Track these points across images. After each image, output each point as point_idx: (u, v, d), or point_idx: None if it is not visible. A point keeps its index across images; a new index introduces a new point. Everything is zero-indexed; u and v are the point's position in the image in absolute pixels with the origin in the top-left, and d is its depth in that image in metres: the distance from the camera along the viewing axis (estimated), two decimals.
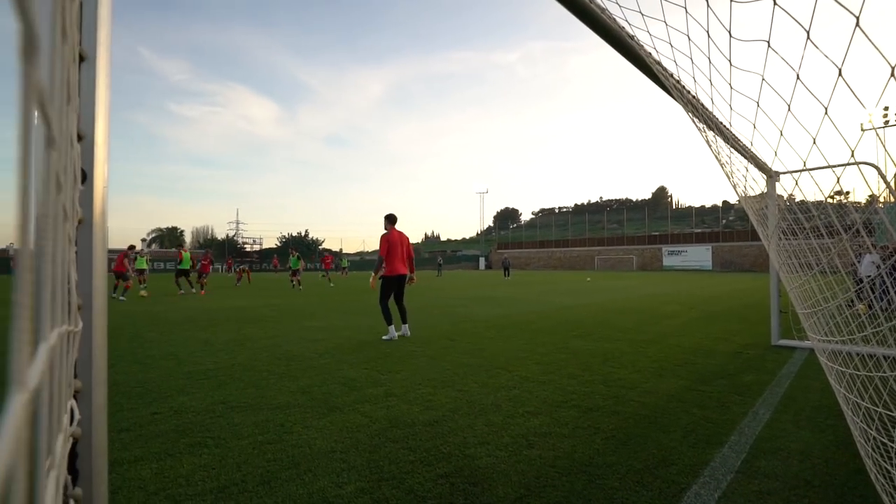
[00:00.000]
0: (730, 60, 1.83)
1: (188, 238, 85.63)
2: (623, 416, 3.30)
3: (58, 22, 0.30)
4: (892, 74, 1.05)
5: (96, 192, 0.82)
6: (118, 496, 2.21)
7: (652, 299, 13.12)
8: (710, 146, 3.20)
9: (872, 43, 1.07)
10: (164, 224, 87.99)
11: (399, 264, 6.10)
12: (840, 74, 1.22)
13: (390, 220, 6.29)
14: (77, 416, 0.78)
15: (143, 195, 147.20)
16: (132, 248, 14.75)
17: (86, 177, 0.80)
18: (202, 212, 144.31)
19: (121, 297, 12.97)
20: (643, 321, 8.40)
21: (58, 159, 0.35)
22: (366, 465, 2.52)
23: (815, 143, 1.53)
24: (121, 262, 13.40)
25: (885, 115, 30.56)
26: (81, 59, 0.76)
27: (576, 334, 6.93)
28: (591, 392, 3.90)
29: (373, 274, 6.61)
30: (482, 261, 67.78)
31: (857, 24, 1.11)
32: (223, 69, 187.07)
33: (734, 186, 3.62)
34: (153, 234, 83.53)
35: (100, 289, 0.83)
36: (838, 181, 1.74)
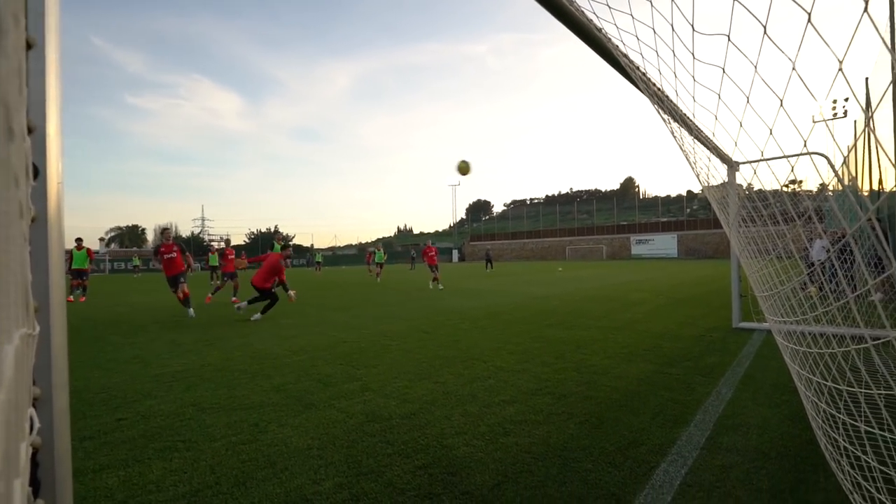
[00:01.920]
0: (693, 53, 1.89)
1: (150, 237, 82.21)
2: (595, 401, 3.40)
3: (9, 4, 0.28)
4: (840, 69, 1.11)
5: (50, 188, 0.77)
6: None
7: (622, 287, 13.52)
8: (674, 137, 3.30)
9: (822, 38, 1.13)
10: (124, 222, 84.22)
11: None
12: (794, 68, 1.28)
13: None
14: (37, 424, 0.74)
15: (100, 192, 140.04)
16: (79, 240, 13.04)
17: (38, 172, 0.75)
18: (165, 209, 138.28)
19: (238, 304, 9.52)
20: (614, 309, 8.65)
21: (17, 152, 0.33)
22: (343, 461, 2.51)
23: (771, 133, 1.60)
24: (229, 260, 11.96)
25: (834, 108, 32.28)
26: (29, 46, 0.72)
27: (549, 323, 7.07)
28: (564, 379, 4.00)
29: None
30: (455, 253, 68.06)
31: (809, 21, 1.17)
32: (183, 60, 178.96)
33: (697, 176, 3.76)
34: (112, 233, 79.89)
35: (57, 290, 0.79)
36: (793, 170, 1.83)
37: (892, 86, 5.53)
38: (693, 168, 3.64)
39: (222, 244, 12.70)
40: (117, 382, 4.19)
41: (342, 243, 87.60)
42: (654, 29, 1.99)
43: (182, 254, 9.04)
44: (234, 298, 11.21)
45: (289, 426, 3.04)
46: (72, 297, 12.46)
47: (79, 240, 13.19)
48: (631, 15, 2.07)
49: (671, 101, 3.21)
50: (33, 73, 0.72)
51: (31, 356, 0.67)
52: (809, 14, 1.23)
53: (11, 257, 0.41)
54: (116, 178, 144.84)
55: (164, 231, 9.68)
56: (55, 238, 0.77)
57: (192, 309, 8.74)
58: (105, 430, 3.05)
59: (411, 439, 2.78)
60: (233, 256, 12.24)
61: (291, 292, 8.67)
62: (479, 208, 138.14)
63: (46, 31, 0.71)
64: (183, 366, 4.78)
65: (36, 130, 0.73)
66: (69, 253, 12.81)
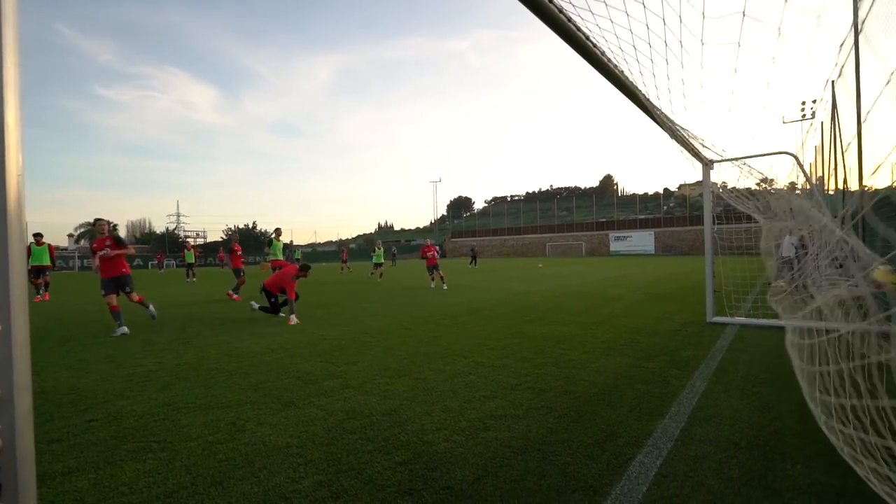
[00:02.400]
0: (681, 41, 1.92)
1: (122, 233, 79.47)
2: (574, 395, 3.45)
3: None
4: (773, 59, 1.14)
5: (9, 180, 0.74)
6: None
7: (600, 283, 13.74)
8: (661, 125, 3.35)
9: (754, 47, 1.17)
10: (95, 218, 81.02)
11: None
12: (737, 69, 1.32)
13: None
14: None
15: (71, 187, 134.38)
16: (38, 235, 11.99)
17: None
18: (139, 204, 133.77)
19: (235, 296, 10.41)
20: (593, 305, 8.79)
21: None
22: (323, 458, 2.49)
23: (744, 135, 1.65)
24: (236, 257, 11.84)
25: (802, 109, 33.39)
26: None
27: (529, 319, 7.14)
28: (544, 374, 4.04)
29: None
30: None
31: (743, 20, 1.20)
32: (157, 51, 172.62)
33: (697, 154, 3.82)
34: (82, 230, 77.05)
35: (18, 286, 0.76)
36: (750, 170, 1.89)
37: (855, 87, 5.75)
38: (682, 152, 3.70)
39: (231, 239, 12.70)
40: (87, 383, 4.06)
41: (322, 239, 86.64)
42: (645, 23, 2.02)
43: (118, 246, 6.71)
44: (231, 293, 11.44)
45: (267, 424, 2.99)
46: (39, 297, 11.90)
47: (37, 235, 12.03)
48: (625, 12, 2.10)
49: (650, 101, 3.26)
50: None
51: None
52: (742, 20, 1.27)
53: None
54: (88, 172, 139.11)
55: (96, 222, 6.94)
56: (15, 233, 0.74)
57: (151, 306, 7.28)
58: (74, 431, 2.95)
59: (392, 436, 2.78)
60: (241, 252, 12.16)
61: (294, 317, 7.49)
62: (460, 205, 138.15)
63: (3, 15, 0.67)
64: (157, 365, 4.66)
65: None
66: (28, 249, 11.54)
